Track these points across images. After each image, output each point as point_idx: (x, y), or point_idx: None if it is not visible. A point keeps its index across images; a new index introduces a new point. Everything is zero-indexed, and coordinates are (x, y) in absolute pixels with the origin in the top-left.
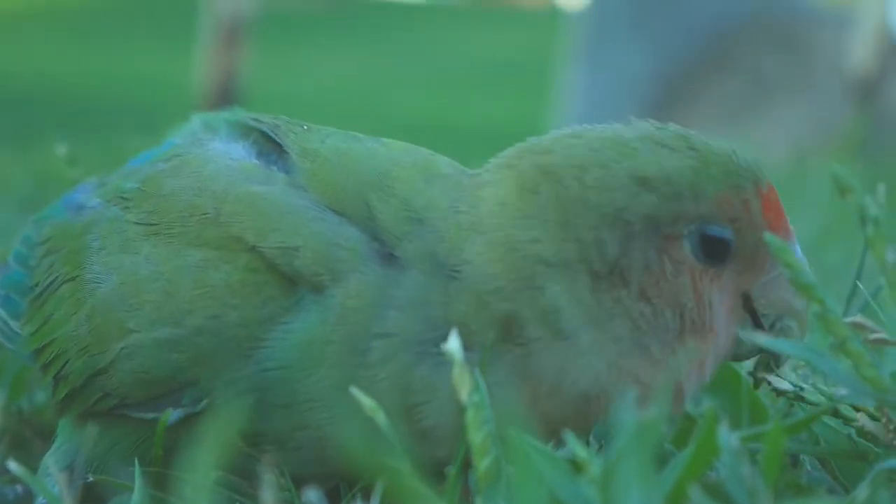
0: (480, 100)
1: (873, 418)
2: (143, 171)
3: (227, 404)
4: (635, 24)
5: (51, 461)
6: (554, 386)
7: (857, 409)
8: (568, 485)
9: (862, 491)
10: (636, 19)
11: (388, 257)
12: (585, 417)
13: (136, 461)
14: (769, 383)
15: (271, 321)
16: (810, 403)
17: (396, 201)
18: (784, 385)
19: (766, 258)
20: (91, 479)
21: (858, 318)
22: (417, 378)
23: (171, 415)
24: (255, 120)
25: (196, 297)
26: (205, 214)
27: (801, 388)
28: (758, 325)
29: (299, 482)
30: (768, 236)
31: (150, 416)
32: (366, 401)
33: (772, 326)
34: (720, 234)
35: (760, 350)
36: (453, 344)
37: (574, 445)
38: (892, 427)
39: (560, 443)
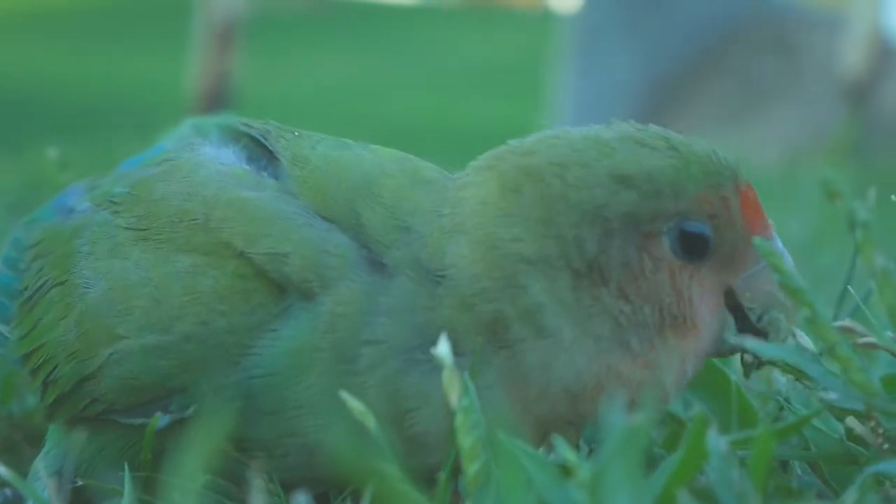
0: (475, 102)
1: (862, 422)
2: (133, 176)
3: (215, 410)
4: (627, 27)
5: (40, 465)
6: (542, 386)
7: (847, 413)
8: (557, 489)
9: (851, 495)
10: (628, 22)
11: (377, 264)
12: (576, 417)
13: (126, 466)
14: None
15: (260, 328)
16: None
17: (383, 209)
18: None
19: (746, 254)
20: (80, 483)
21: (847, 322)
22: (407, 385)
23: (160, 421)
24: (246, 125)
25: (185, 303)
26: (194, 220)
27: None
28: (745, 320)
29: (288, 487)
30: (756, 239)
31: (139, 421)
32: (355, 404)
33: (759, 320)
34: (699, 231)
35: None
36: (442, 348)
37: (563, 449)
38: (881, 431)
39: (552, 446)
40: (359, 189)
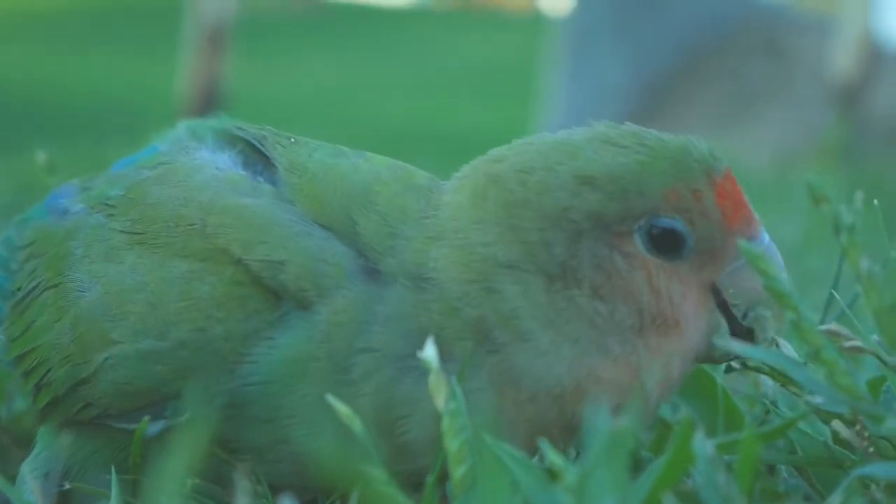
0: (468, 105)
1: (848, 425)
2: (127, 178)
3: (204, 415)
4: (619, 31)
5: (28, 469)
6: (530, 390)
7: (833, 417)
8: (543, 492)
9: (836, 498)
10: (620, 25)
11: (373, 272)
12: (566, 421)
13: (114, 469)
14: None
15: (256, 335)
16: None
17: (378, 216)
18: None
19: (728, 248)
20: (67, 486)
21: (833, 326)
22: (400, 392)
23: (153, 426)
24: (241, 129)
25: (181, 309)
26: (191, 225)
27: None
28: (730, 317)
29: (276, 491)
30: (741, 242)
31: (133, 426)
32: (342, 408)
33: (745, 317)
34: (669, 227)
35: (736, 356)
36: (429, 352)
37: (549, 453)
38: (866, 435)
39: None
40: (355, 197)
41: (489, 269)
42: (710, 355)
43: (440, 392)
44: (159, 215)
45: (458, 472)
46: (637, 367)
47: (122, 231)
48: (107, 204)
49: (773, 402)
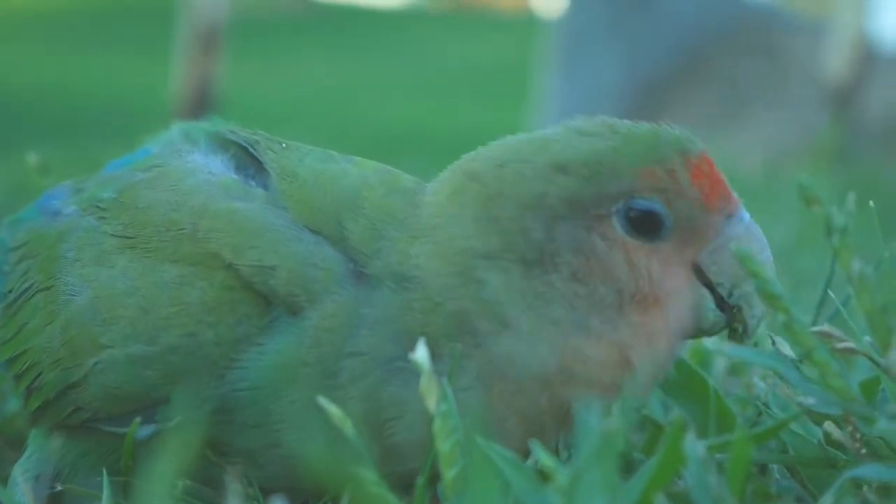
0: (463, 106)
1: (840, 427)
2: (120, 180)
3: (194, 418)
4: (612, 31)
5: (19, 470)
6: (516, 379)
7: (825, 418)
8: (534, 494)
9: (828, 499)
10: (613, 26)
11: (361, 276)
12: (558, 409)
13: (105, 471)
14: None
15: (246, 340)
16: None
17: (365, 220)
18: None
19: (707, 227)
20: (59, 488)
21: (826, 328)
22: (388, 395)
23: (143, 430)
24: (233, 133)
25: (171, 313)
26: (182, 229)
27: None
28: (716, 297)
29: (267, 493)
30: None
31: (123, 430)
32: (333, 410)
33: (730, 295)
34: (647, 207)
35: (726, 325)
36: (420, 354)
37: (540, 454)
38: (858, 436)
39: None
40: (344, 202)
41: (468, 261)
42: (699, 330)
43: (431, 394)
44: (150, 219)
45: (449, 473)
46: (621, 345)
47: (113, 235)
48: (98, 206)
49: (766, 404)
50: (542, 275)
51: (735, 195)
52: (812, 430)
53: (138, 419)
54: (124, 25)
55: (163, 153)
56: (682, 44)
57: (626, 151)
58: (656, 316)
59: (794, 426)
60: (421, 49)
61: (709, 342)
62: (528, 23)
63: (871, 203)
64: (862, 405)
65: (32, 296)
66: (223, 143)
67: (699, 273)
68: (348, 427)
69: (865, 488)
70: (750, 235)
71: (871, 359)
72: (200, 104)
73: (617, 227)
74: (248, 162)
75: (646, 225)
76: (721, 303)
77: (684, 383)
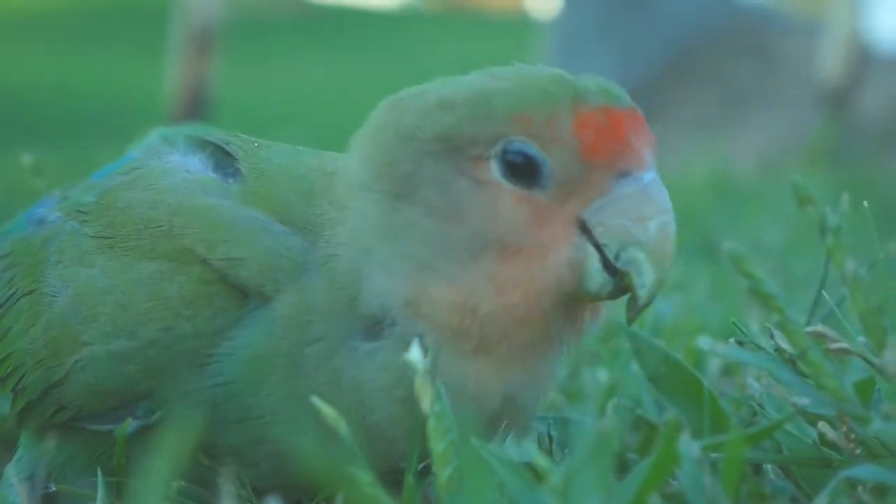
0: None
1: (835, 427)
2: (101, 185)
3: (182, 416)
4: (606, 32)
5: (12, 472)
6: (352, 294)
7: (819, 418)
8: (528, 494)
9: (823, 499)
10: (607, 28)
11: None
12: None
13: (99, 471)
14: None
15: (222, 333)
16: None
17: (318, 207)
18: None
19: (591, 182)
20: (53, 489)
21: (820, 328)
22: (350, 377)
23: (128, 426)
24: (210, 134)
25: (150, 308)
26: (159, 227)
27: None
28: (606, 259)
29: (261, 494)
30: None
31: (106, 428)
32: (327, 410)
33: (616, 258)
34: (521, 151)
35: (617, 290)
36: (414, 354)
37: (534, 454)
38: (853, 436)
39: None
40: (304, 193)
41: (348, 191)
42: (585, 291)
43: (425, 394)
44: (129, 219)
45: (443, 474)
46: (468, 290)
47: (93, 236)
48: (80, 211)
49: (760, 404)
50: (405, 210)
51: (643, 154)
52: (806, 430)
53: (130, 419)
54: (124, 26)
55: (143, 157)
56: (676, 44)
57: (507, 94)
58: (517, 266)
59: (788, 426)
60: (416, 49)
61: (703, 342)
62: (522, 23)
63: (865, 203)
64: (856, 405)
65: (17, 301)
66: (201, 144)
67: (589, 232)
68: (343, 427)
69: (860, 488)
70: (643, 197)
71: (865, 359)
72: (195, 105)
73: (494, 169)
74: (226, 161)
75: (523, 170)
76: (612, 266)
77: (679, 383)
